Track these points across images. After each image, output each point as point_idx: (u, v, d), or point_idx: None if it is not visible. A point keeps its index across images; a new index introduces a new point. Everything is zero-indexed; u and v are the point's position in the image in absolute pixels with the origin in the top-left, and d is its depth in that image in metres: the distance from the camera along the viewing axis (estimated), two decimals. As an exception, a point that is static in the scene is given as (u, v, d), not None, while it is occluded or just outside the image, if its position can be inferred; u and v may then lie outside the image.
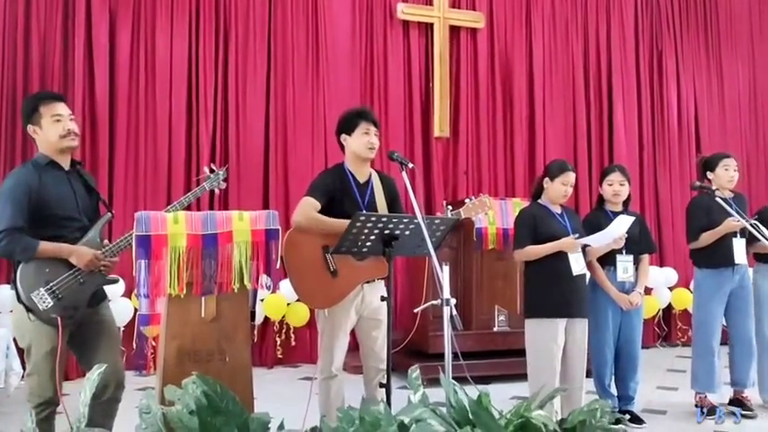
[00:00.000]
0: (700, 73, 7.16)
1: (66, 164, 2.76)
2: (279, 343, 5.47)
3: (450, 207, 3.22)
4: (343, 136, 3.16)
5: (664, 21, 7.08)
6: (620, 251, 3.72)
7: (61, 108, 2.70)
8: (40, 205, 2.59)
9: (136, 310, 4.98)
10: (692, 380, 4.07)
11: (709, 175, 4.10)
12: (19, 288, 2.53)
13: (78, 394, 1.92)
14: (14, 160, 4.99)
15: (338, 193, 3.08)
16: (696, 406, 4.03)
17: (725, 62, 7.27)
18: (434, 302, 2.56)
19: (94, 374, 1.98)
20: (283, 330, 5.49)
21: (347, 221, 2.93)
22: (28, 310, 2.54)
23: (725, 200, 3.88)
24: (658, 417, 4.00)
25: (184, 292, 2.56)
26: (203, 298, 2.60)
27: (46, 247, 2.56)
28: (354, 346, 3.23)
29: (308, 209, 3.00)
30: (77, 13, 5.19)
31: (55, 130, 2.66)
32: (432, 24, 6.18)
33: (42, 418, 2.60)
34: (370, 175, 3.20)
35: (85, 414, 1.92)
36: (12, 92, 5.06)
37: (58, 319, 2.52)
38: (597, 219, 3.77)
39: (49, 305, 2.54)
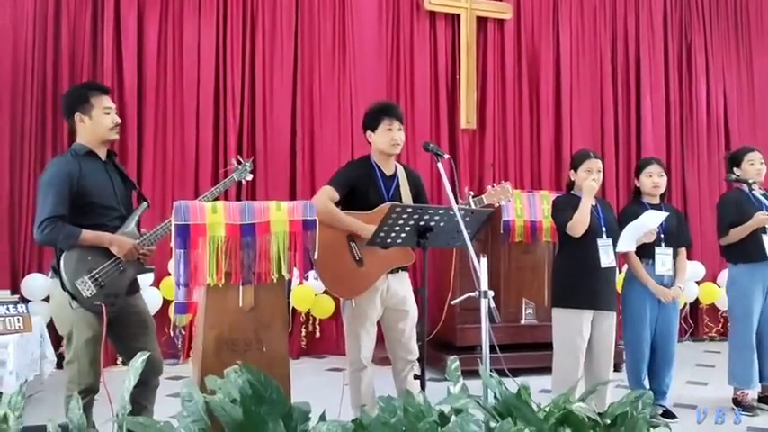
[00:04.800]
0: (729, 66, 7.03)
1: (102, 154, 2.80)
2: (304, 334, 5.49)
3: (471, 193, 3.24)
4: (368, 132, 3.18)
5: (693, 12, 6.96)
6: (658, 244, 3.69)
7: (109, 101, 2.79)
8: (80, 194, 2.63)
9: (165, 299, 5.03)
10: (729, 375, 4.03)
11: (736, 171, 4.04)
12: (63, 275, 2.56)
13: (115, 381, 1.94)
14: (45, 152, 5.04)
15: (363, 184, 3.10)
16: (734, 401, 3.99)
17: (755, 55, 7.13)
18: (472, 294, 2.55)
19: (138, 362, 2.00)
20: (309, 321, 5.51)
21: (356, 221, 2.96)
22: (72, 297, 2.56)
23: (763, 193, 3.83)
24: (689, 411, 3.97)
25: (223, 281, 2.57)
26: (241, 287, 2.61)
27: (87, 235, 2.59)
28: (381, 338, 3.22)
29: (324, 198, 3.03)
30: (106, 5, 5.22)
31: (105, 122, 2.73)
32: (458, 15, 6.13)
33: (82, 405, 2.63)
34: (396, 168, 3.22)
35: (129, 401, 1.94)
36: (41, 84, 5.09)
37: (103, 306, 2.55)
38: (635, 212, 3.70)
39: (93, 292, 2.58)
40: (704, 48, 6.95)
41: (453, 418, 2.04)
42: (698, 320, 6.59)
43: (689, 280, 6.34)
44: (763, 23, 7.21)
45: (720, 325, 6.49)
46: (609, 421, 2.18)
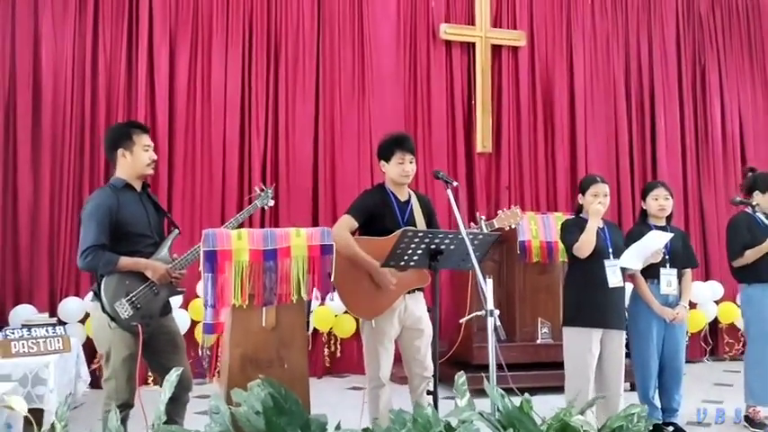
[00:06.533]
0: (744, 86, 7.11)
1: (138, 186, 3.05)
2: (327, 353, 5.67)
3: (483, 218, 3.42)
4: (382, 162, 3.39)
5: (706, 34, 7.07)
6: (663, 264, 3.80)
7: (149, 139, 3.04)
8: (118, 224, 2.87)
9: (193, 320, 5.25)
10: (746, 393, 4.09)
11: (758, 194, 4.13)
12: (103, 299, 2.79)
13: (146, 398, 2.12)
14: (82, 184, 5.33)
15: (379, 211, 3.30)
16: (746, 419, 4.06)
17: (770, 75, 7.21)
18: (479, 313, 2.72)
19: (173, 376, 2.19)
20: (331, 341, 5.69)
21: (370, 260, 3.13)
22: (111, 318, 2.79)
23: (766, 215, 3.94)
24: (702, 429, 4.04)
25: (247, 302, 2.78)
26: (264, 308, 2.81)
27: (125, 261, 2.83)
28: (398, 357, 3.39)
29: (344, 229, 3.22)
30: (140, 44, 5.54)
31: (144, 159, 2.99)
32: (473, 44, 6.35)
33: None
34: (410, 195, 3.42)
35: (164, 412, 2.14)
36: (80, 122, 5.39)
37: (139, 326, 2.77)
38: (641, 232, 3.81)
39: (130, 314, 2.80)
40: (718, 69, 7.05)
41: (459, 428, 2.20)
42: (718, 340, 6.60)
43: (708, 300, 6.39)
44: (776, 43, 7.29)
45: (741, 344, 6.49)
46: (607, 433, 2.32)
